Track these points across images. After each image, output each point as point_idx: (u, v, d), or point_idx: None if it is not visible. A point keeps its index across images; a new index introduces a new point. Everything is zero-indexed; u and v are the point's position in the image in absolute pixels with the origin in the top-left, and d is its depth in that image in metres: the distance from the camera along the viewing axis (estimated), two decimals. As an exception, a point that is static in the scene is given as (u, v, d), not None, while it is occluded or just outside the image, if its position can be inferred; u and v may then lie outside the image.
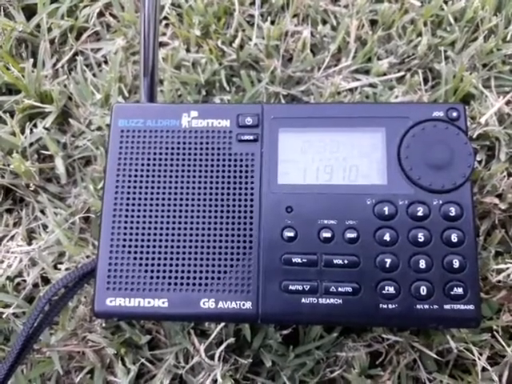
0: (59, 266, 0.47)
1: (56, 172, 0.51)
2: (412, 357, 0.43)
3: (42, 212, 0.50)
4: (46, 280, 0.48)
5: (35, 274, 0.47)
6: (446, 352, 0.43)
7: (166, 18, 0.56)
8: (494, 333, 0.43)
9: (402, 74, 0.52)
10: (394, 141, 0.39)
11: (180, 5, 0.56)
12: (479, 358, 0.42)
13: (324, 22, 0.55)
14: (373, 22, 0.55)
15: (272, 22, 0.55)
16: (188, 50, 0.54)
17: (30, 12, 0.58)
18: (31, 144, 0.51)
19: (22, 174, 0.49)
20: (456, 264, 0.36)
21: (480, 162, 0.48)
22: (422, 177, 0.38)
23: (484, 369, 0.42)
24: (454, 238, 0.36)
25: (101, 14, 0.57)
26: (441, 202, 0.37)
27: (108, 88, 0.51)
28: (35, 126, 0.52)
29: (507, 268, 0.43)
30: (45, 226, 0.49)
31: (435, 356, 0.42)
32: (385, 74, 0.52)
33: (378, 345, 0.43)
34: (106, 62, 0.56)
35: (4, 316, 0.45)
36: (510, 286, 0.44)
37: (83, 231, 0.49)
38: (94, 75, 0.54)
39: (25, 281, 0.47)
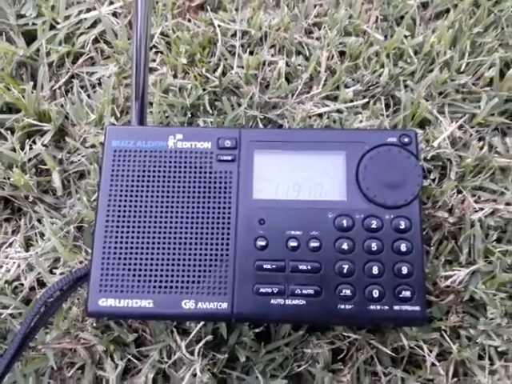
0: (54, 270, 0.49)
1: (52, 185, 0.53)
2: (369, 353, 0.47)
3: (39, 221, 0.52)
4: (42, 284, 0.50)
5: (32, 278, 0.49)
6: (400, 349, 0.47)
7: (155, 46, 0.59)
8: (443, 332, 0.47)
9: (366, 100, 0.56)
10: (353, 163, 0.43)
11: (168, 35, 0.59)
12: (429, 355, 0.46)
13: (298, 53, 0.58)
14: (341, 54, 0.59)
15: (251, 53, 0.58)
16: (175, 76, 0.57)
17: (29, 37, 0.60)
18: (30, 159, 0.54)
19: (22, 186, 0.51)
20: (404, 270, 0.40)
21: (434, 180, 0.52)
22: (377, 194, 0.42)
23: (433, 364, 0.46)
24: (403, 247, 0.41)
25: (96, 41, 0.60)
26: (392, 216, 0.41)
27: (102, 109, 0.54)
28: (34, 142, 0.55)
29: (454, 274, 0.48)
30: (41, 234, 0.51)
31: (390, 352, 0.46)
32: (351, 101, 0.56)
33: (339, 342, 0.47)
34: (99, 85, 0.58)
35: (2, 317, 0.47)
36: (458, 291, 0.48)
37: (77, 239, 0.51)
38: (88, 97, 0.57)
39: (22, 284, 0.49)
